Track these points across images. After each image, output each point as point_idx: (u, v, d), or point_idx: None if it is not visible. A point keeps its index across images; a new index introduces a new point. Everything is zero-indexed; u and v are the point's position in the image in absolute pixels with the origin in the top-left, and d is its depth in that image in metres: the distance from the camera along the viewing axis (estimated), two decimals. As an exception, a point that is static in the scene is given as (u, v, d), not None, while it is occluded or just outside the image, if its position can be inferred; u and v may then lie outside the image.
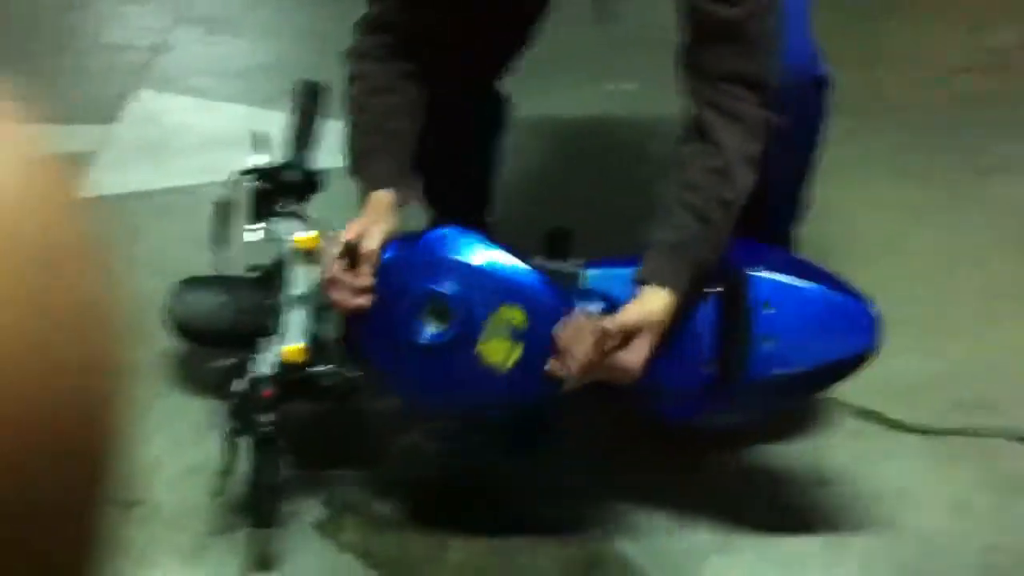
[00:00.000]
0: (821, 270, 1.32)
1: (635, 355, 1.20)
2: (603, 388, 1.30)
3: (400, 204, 1.33)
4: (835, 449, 1.52)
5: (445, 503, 1.42)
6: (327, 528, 1.38)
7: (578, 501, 1.42)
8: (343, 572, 1.32)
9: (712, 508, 1.41)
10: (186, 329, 1.54)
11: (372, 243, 1.26)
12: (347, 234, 1.26)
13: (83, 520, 0.31)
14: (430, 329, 1.23)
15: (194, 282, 1.55)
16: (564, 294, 1.26)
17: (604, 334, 1.18)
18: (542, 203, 2.08)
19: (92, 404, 0.30)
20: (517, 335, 1.21)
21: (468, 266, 1.23)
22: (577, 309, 1.22)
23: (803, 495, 1.46)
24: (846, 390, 1.47)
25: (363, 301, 1.25)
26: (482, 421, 1.42)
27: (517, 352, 1.21)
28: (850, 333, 1.26)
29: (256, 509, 1.27)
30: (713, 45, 1.27)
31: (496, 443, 1.39)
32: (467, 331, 1.21)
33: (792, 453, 1.52)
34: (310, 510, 1.40)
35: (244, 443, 1.27)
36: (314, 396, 1.46)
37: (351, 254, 1.25)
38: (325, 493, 1.43)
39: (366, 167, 1.34)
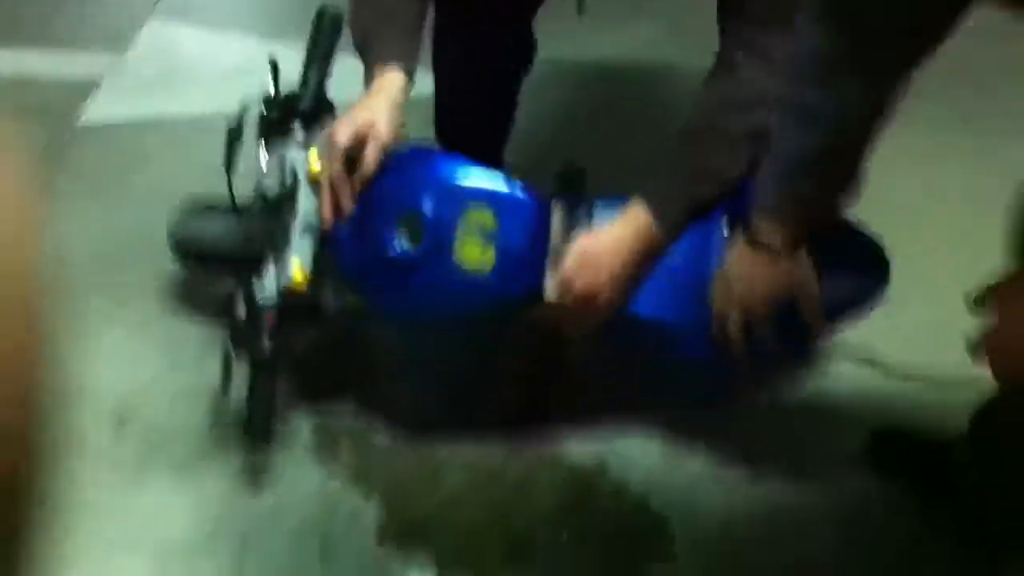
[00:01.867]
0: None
1: (584, 279, 1.21)
2: (625, 336, 1.28)
3: (407, 88, 1.29)
4: (832, 393, 1.51)
5: (441, 429, 1.41)
6: (322, 451, 1.37)
7: (575, 429, 1.41)
8: (335, 495, 1.31)
9: (708, 443, 1.40)
10: (190, 253, 1.52)
11: (371, 157, 1.24)
12: (344, 136, 1.24)
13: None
14: (404, 244, 1.23)
15: (199, 206, 1.53)
16: (531, 191, 1.25)
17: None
18: (558, 144, 2.05)
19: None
20: (489, 236, 1.22)
21: (434, 177, 1.24)
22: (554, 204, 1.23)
23: (796, 434, 1.45)
24: (847, 336, 1.45)
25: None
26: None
27: (491, 253, 1.22)
28: (859, 273, 1.24)
29: (251, 429, 1.26)
30: None
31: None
32: (441, 240, 1.22)
33: (789, 393, 1.50)
34: (306, 434, 1.39)
35: (243, 367, 1.26)
36: (316, 323, 1.45)
37: (348, 159, 1.24)
38: (321, 418, 1.42)
39: (373, 45, 1.30)
